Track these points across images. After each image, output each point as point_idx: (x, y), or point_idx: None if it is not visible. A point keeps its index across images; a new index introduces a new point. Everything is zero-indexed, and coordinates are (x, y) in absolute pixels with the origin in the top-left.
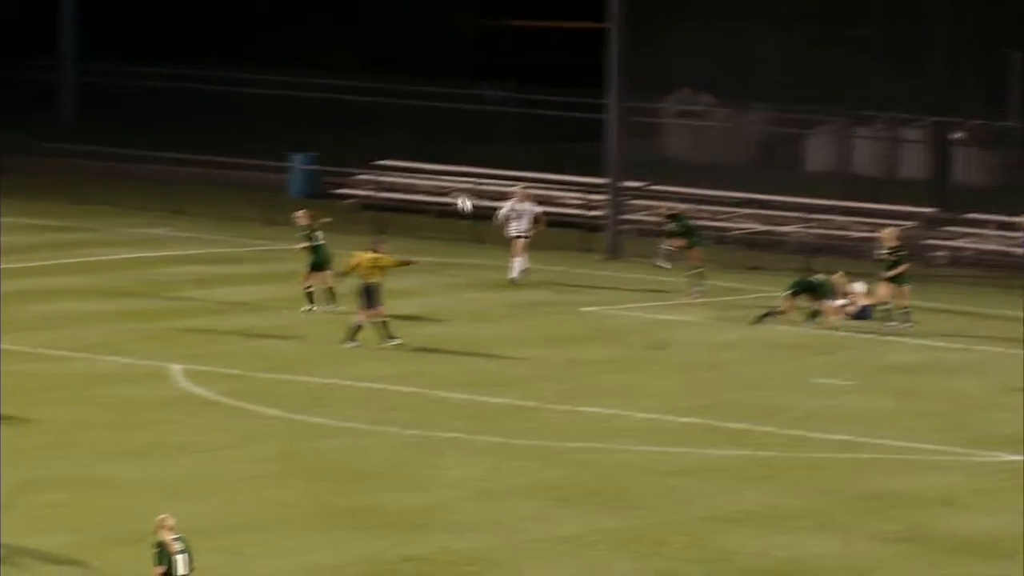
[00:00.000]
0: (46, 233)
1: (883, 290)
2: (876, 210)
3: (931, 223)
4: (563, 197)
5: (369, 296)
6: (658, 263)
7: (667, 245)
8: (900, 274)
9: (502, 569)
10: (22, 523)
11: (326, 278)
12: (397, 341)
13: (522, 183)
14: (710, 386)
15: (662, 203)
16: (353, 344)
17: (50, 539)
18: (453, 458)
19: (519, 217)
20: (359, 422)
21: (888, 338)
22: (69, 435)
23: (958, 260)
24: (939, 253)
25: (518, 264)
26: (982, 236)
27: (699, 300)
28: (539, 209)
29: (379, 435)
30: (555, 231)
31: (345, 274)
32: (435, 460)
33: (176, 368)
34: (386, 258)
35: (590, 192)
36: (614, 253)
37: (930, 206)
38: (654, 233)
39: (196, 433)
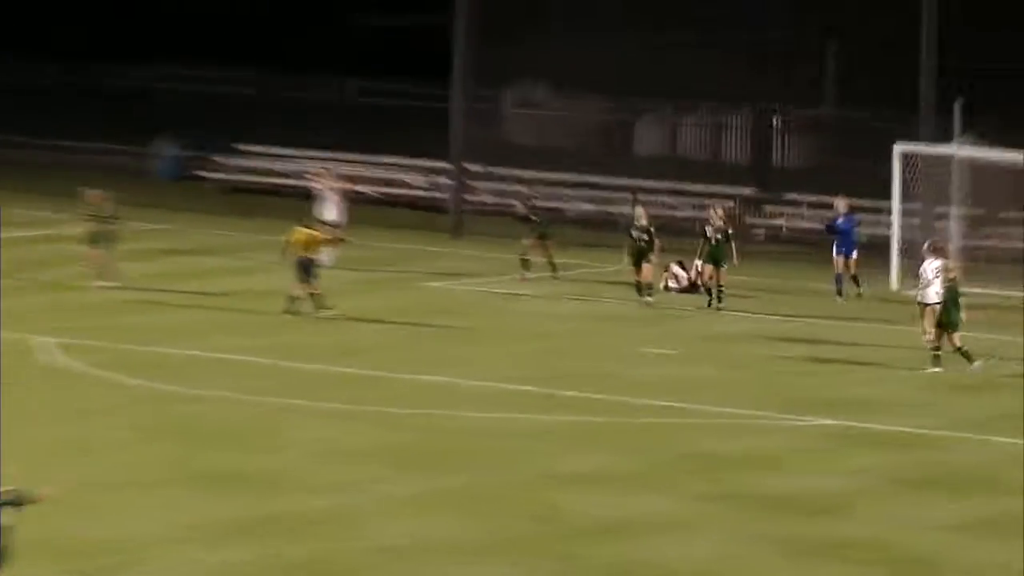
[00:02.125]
0: None
1: (709, 269)
2: (701, 191)
3: (751, 203)
4: (410, 180)
5: (305, 270)
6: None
7: (526, 252)
8: (720, 254)
9: (347, 526)
10: None
11: (106, 256)
12: (331, 312)
13: (325, 167)
14: (544, 356)
15: (515, 203)
16: (292, 314)
17: None
18: (304, 423)
19: (324, 202)
20: (217, 390)
21: (710, 310)
22: None
23: (776, 237)
24: (758, 231)
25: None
26: (798, 215)
27: (531, 277)
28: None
29: (235, 402)
30: (402, 212)
31: (283, 250)
32: (287, 425)
33: (48, 341)
34: (319, 234)
35: (435, 175)
36: (457, 232)
37: (750, 187)
38: (495, 214)
39: (63, 402)
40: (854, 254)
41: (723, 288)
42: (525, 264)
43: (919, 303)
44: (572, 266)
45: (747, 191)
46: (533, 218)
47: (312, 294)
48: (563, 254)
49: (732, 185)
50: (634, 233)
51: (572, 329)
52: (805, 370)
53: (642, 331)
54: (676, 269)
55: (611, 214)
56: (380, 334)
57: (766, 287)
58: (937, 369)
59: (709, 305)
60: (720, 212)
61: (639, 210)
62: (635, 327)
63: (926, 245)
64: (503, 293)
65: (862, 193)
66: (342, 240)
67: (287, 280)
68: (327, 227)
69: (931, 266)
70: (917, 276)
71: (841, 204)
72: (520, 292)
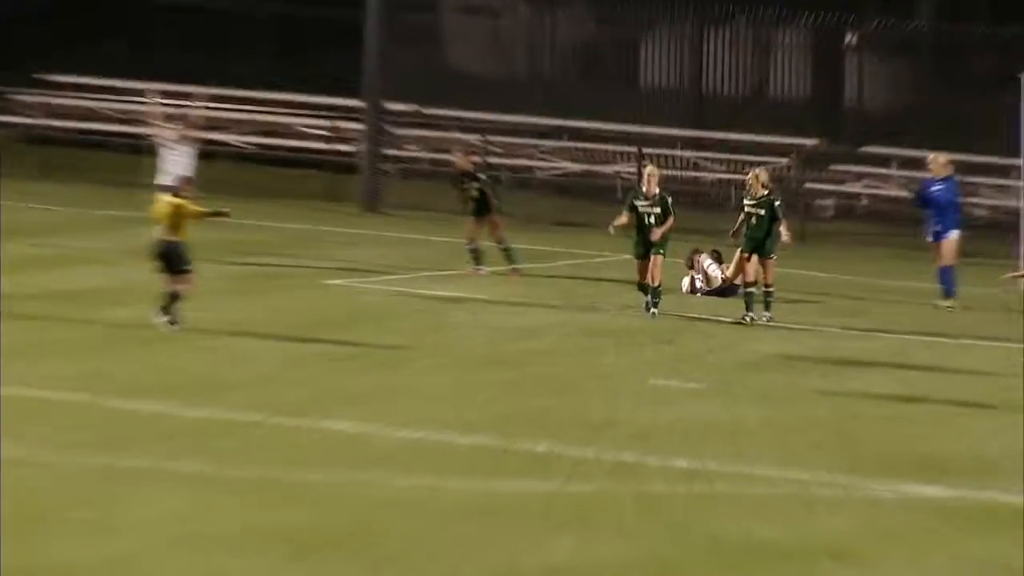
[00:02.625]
0: None
1: (749, 264)
2: (738, 142)
3: (813, 161)
4: (304, 126)
5: (168, 259)
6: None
7: (476, 234)
8: (765, 239)
9: None
10: None
11: None
12: (177, 327)
13: (175, 106)
14: (503, 391)
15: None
16: (165, 319)
17: None
18: (146, 494)
19: (173, 159)
20: (13, 445)
21: (752, 322)
22: None
23: (850, 212)
24: (824, 202)
25: None
26: (883, 178)
27: (484, 272)
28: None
29: (41, 466)
30: (292, 174)
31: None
32: (122, 496)
33: None
34: (191, 206)
35: (341, 119)
36: (372, 204)
37: (813, 136)
38: (429, 176)
39: None
40: (953, 234)
41: (772, 289)
42: (475, 253)
43: None
44: (543, 255)
45: (807, 142)
46: (481, 179)
47: (170, 293)
48: (529, 237)
49: (784, 134)
50: (640, 206)
51: (543, 350)
52: (893, 413)
53: (651, 354)
54: (706, 262)
55: (604, 177)
56: (258, 359)
57: (835, 287)
58: None
59: (748, 317)
60: (763, 175)
61: (648, 170)
62: (640, 348)
63: None
64: (440, 296)
65: (974, 145)
66: (223, 214)
67: (125, 277)
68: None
69: None
70: None
71: (939, 162)
72: (466, 295)
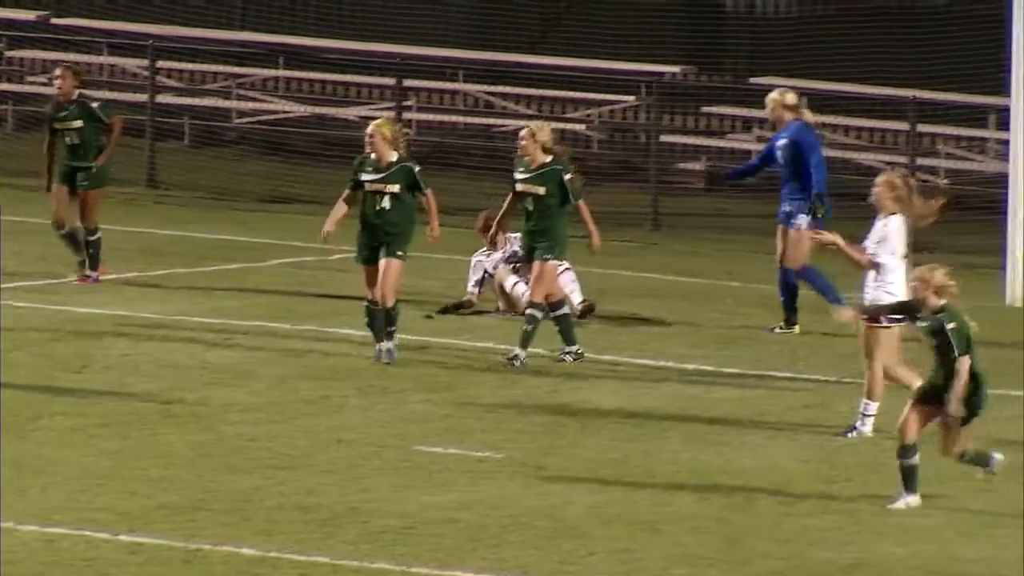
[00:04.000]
0: None
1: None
2: (553, 71)
3: (673, 99)
4: None
5: None
6: None
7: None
8: (546, 235)
9: None
10: None
11: None
12: None
13: None
14: (184, 463)
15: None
16: None
17: None
18: None
19: None
20: None
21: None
22: None
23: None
24: (691, 166)
25: None
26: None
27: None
28: None
29: None
30: None
31: None
32: None
33: None
34: None
35: None
36: None
37: (673, 62)
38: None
39: None
40: (800, 221)
41: (564, 310)
42: (80, 253)
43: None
44: (243, 250)
45: (664, 71)
46: (89, 106)
47: None
48: (220, 220)
49: (629, 58)
50: (368, 181)
51: (246, 402)
52: (804, 502)
53: (417, 406)
54: (508, 277)
55: (344, 126)
56: None
57: (709, 299)
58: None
59: (518, 358)
60: (545, 132)
61: (374, 129)
62: (399, 397)
63: None
64: (85, 316)
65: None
66: None
67: None
68: None
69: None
70: None
71: (783, 101)
72: (126, 313)
